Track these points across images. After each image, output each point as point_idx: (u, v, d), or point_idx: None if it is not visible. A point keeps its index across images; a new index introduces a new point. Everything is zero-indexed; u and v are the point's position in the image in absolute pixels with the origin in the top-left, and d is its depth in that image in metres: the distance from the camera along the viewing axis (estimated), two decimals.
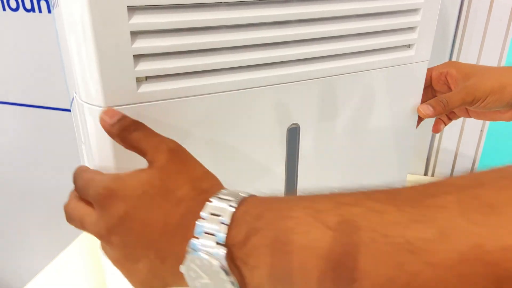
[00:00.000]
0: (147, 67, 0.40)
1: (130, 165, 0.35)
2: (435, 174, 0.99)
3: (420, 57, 0.56)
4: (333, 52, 0.49)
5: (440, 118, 0.68)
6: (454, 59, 0.86)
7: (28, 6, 0.97)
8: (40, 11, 0.97)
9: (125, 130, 0.36)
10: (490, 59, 0.85)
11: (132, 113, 0.41)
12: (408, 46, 0.56)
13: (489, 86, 0.56)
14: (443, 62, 0.64)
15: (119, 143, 0.37)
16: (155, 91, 0.41)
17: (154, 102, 0.42)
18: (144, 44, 0.39)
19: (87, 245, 0.76)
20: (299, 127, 0.51)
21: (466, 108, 0.64)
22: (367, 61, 0.52)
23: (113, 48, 0.37)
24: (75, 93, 0.42)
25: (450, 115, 0.68)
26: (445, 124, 0.68)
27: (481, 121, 0.91)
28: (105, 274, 0.56)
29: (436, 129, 0.68)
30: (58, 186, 1.11)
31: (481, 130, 0.92)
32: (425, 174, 1.00)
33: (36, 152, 1.13)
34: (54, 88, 1.04)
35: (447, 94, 0.58)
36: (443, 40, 0.85)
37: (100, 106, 0.40)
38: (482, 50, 0.84)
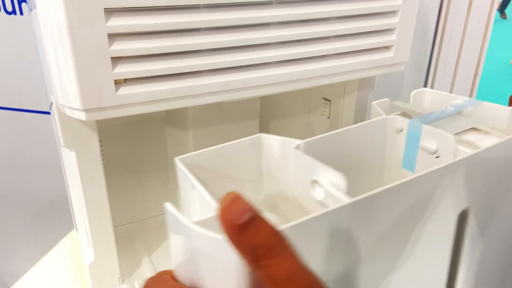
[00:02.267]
0: (125, 69, 0.40)
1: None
2: None
3: (399, 59, 0.57)
4: (312, 54, 0.50)
5: None
6: (434, 59, 0.87)
7: (9, 8, 0.96)
8: (21, 13, 0.96)
9: (260, 256, 0.22)
10: (469, 60, 0.87)
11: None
12: (387, 47, 0.57)
13: None
14: (423, 62, 0.65)
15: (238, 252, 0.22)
16: (134, 94, 0.41)
17: (134, 104, 0.42)
18: (122, 47, 0.39)
19: (70, 248, 0.75)
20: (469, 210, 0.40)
21: None
22: (346, 63, 0.53)
23: (90, 50, 0.37)
24: (53, 96, 0.42)
25: None
26: None
27: None
28: (87, 278, 0.56)
29: None
30: (40, 189, 1.09)
31: None
32: None
33: (18, 155, 1.12)
34: (36, 91, 1.03)
35: None
36: (423, 42, 0.87)
37: (77, 109, 0.40)
38: (461, 51, 0.86)
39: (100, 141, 0.49)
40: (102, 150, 0.51)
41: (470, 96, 0.90)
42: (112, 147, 0.62)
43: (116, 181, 0.66)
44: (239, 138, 0.66)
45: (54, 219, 1.15)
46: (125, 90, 0.41)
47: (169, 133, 0.66)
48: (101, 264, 0.54)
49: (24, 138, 1.10)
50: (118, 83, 0.40)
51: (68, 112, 0.41)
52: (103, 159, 0.50)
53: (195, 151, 0.65)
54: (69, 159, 0.49)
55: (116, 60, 0.39)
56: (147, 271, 0.61)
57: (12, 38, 0.99)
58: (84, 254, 0.56)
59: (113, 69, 0.39)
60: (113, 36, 0.38)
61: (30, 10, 0.45)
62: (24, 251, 1.25)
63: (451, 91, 0.90)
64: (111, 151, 0.63)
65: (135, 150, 0.65)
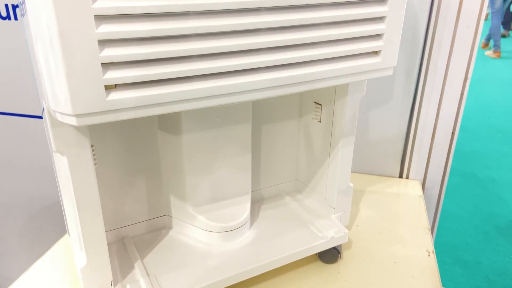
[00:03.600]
0: (115, 75, 0.40)
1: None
2: (409, 176, 1.01)
3: (387, 63, 0.58)
4: (301, 59, 0.51)
5: None
6: (424, 65, 0.88)
7: (4, 13, 0.97)
8: (15, 18, 0.97)
9: None
10: (458, 65, 0.88)
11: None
12: (375, 53, 0.57)
13: None
14: (414, 66, 0.66)
15: None
16: (125, 99, 0.42)
17: (125, 109, 0.42)
18: (112, 53, 0.40)
19: (63, 252, 0.75)
20: None
21: None
22: (335, 68, 0.54)
23: (80, 56, 0.38)
24: (44, 102, 0.42)
25: None
26: None
27: (452, 124, 0.94)
28: (80, 282, 0.56)
29: None
30: (35, 194, 1.09)
31: (452, 133, 0.95)
32: (400, 176, 1.02)
33: (12, 160, 1.12)
34: (31, 96, 1.03)
35: None
36: (413, 46, 0.88)
37: (68, 114, 0.40)
38: (451, 56, 0.87)
39: (92, 146, 0.50)
40: (94, 155, 0.51)
41: (460, 99, 0.91)
42: (104, 151, 0.63)
43: (108, 185, 0.66)
44: (231, 142, 0.67)
45: (48, 223, 1.15)
46: (115, 96, 0.41)
47: (161, 138, 0.67)
48: (93, 268, 0.55)
49: (18, 143, 1.10)
50: (108, 88, 0.41)
51: (59, 117, 0.42)
52: (95, 164, 0.50)
53: (187, 155, 0.66)
54: (61, 164, 0.49)
55: (106, 66, 0.40)
56: (139, 275, 0.61)
57: (7, 43, 1.00)
58: (76, 258, 0.56)
59: (103, 75, 0.40)
60: (103, 42, 0.39)
61: (22, 15, 0.46)
62: (18, 254, 1.25)
63: (441, 94, 0.91)
64: (103, 155, 0.63)
65: (127, 154, 0.66)
